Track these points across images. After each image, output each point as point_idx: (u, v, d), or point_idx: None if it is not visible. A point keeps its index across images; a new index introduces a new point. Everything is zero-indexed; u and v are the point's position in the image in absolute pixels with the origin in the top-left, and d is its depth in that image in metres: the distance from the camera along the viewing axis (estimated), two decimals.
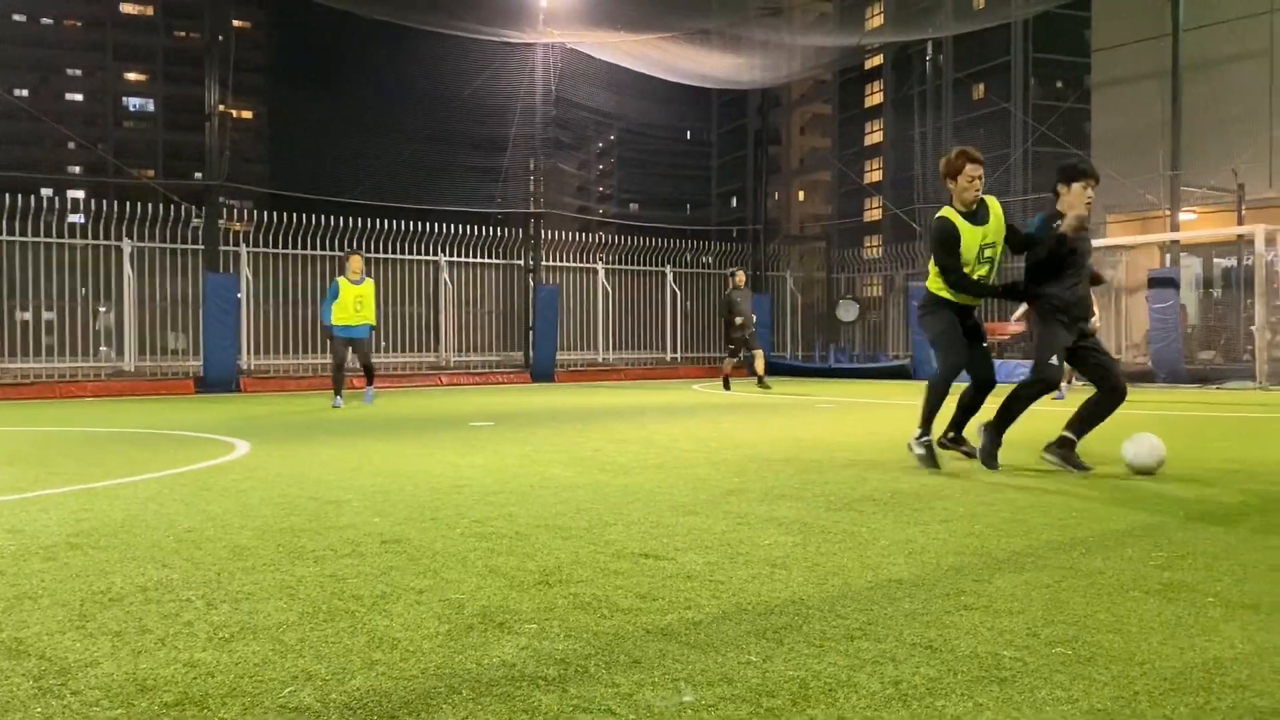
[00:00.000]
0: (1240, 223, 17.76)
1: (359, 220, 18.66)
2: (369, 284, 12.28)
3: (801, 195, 70.18)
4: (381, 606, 2.91)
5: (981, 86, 46.02)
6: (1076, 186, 5.72)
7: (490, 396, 15.09)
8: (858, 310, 24.53)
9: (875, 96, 60.89)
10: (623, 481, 5.50)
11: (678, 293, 23.27)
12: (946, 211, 5.79)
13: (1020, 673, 2.28)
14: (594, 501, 4.79)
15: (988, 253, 5.81)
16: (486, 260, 20.48)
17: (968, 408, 6.14)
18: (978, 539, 3.84)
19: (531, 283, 20.55)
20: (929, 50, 22.96)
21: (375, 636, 2.61)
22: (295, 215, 17.85)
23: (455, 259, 20.07)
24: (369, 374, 12.82)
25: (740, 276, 16.07)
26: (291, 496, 5.00)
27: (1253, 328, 16.03)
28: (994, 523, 4.17)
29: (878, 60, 55.39)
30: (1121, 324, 20.26)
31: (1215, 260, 20.74)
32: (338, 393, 12.26)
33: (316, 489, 5.27)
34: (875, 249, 37.05)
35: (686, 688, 2.19)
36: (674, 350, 23.24)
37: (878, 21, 46.32)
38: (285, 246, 17.88)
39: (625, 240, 22.43)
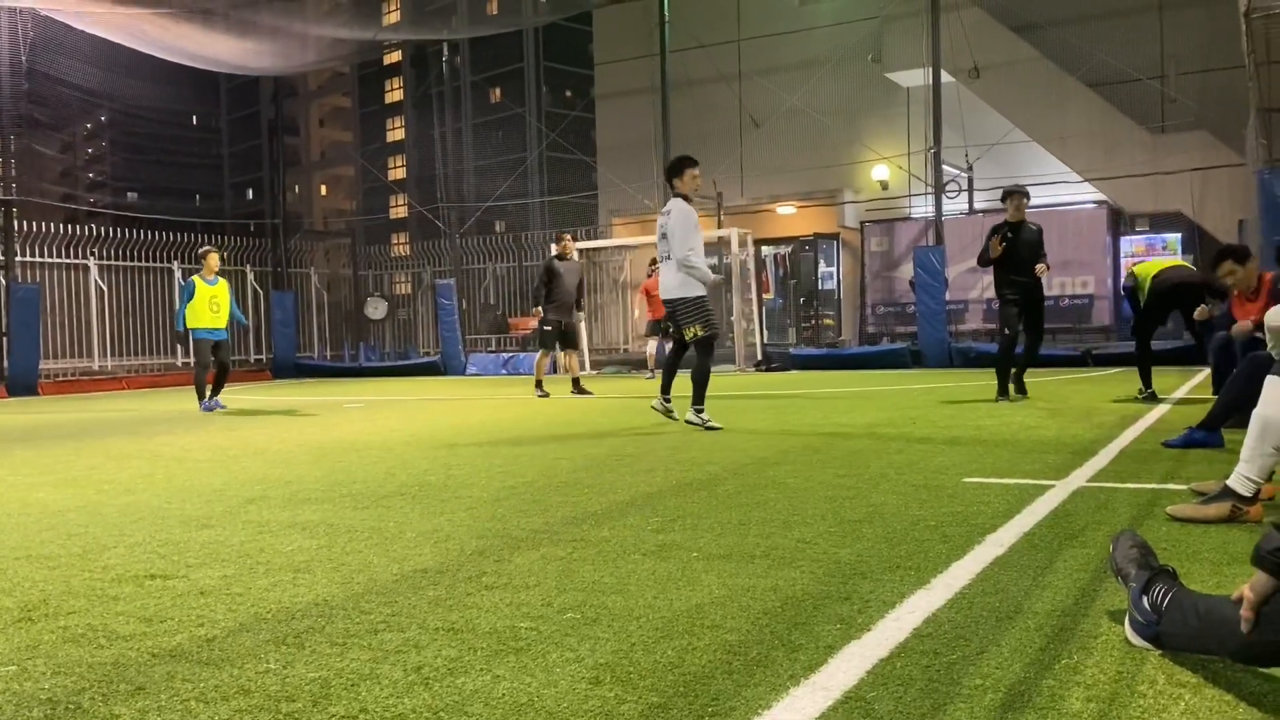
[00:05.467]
0: (720, 226, 20.29)
1: None
2: (223, 284, 11.82)
3: (324, 190, 68.03)
4: None
5: (498, 90, 47.91)
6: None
7: None
8: (386, 308, 24.42)
9: (396, 93, 60.74)
10: (124, 500, 4.99)
11: None
12: None
13: (535, 641, 2.44)
14: (89, 524, 4.29)
15: None
16: None
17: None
18: (499, 522, 4.02)
19: (3, 280, 17.79)
20: (445, 51, 23.39)
21: None
22: None
23: None
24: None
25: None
26: None
27: (731, 318, 18.42)
28: (514, 506, 4.40)
29: (397, 57, 55.29)
30: (628, 316, 22.25)
31: None
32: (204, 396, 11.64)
33: None
34: (403, 246, 37.05)
35: None
36: (187, 354, 21.40)
37: (395, 18, 46.30)
38: None
39: (124, 233, 20.19)
